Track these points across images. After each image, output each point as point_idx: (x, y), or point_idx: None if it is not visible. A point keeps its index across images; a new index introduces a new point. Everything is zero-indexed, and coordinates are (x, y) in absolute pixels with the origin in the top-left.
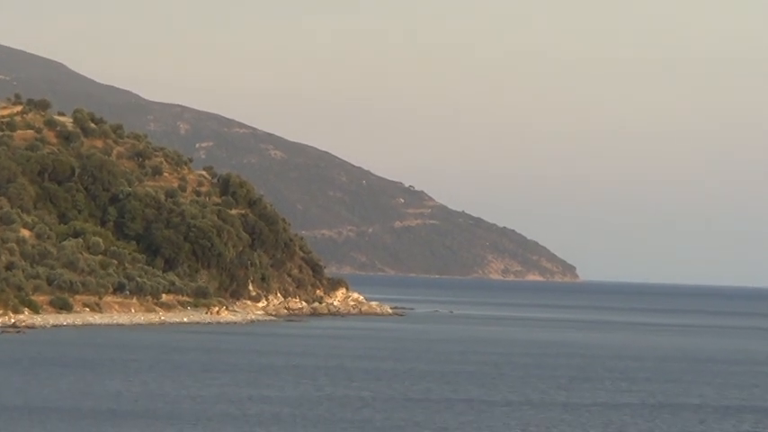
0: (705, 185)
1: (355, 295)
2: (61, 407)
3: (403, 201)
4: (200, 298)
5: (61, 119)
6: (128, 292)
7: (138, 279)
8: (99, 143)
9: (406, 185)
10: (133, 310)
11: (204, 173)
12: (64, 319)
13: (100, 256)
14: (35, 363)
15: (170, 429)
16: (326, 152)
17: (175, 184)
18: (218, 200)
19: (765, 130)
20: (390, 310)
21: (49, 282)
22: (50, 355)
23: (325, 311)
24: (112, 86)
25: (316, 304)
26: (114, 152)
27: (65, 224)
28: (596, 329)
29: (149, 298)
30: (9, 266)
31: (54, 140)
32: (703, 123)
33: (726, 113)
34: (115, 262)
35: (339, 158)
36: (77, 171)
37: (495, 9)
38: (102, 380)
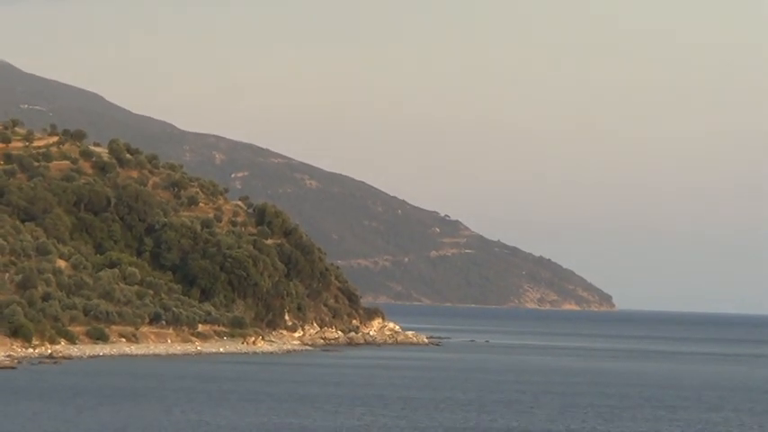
0: (743, 214)
1: (391, 325)
2: None
3: (439, 230)
4: (237, 328)
5: (97, 149)
6: (164, 323)
7: (175, 309)
8: (135, 173)
9: (442, 215)
10: (169, 341)
11: (240, 203)
12: (100, 349)
13: (136, 287)
14: (74, 393)
15: None
16: (362, 182)
17: (211, 215)
18: (253, 230)
19: None
20: (426, 340)
21: (86, 312)
22: (88, 385)
23: (362, 341)
24: (148, 117)
25: (352, 334)
26: (150, 182)
27: (101, 254)
28: (634, 358)
29: (185, 328)
30: (45, 297)
31: (90, 171)
32: (739, 153)
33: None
34: (151, 292)
35: (374, 188)
36: (113, 201)
37: (542, 38)
38: (142, 410)
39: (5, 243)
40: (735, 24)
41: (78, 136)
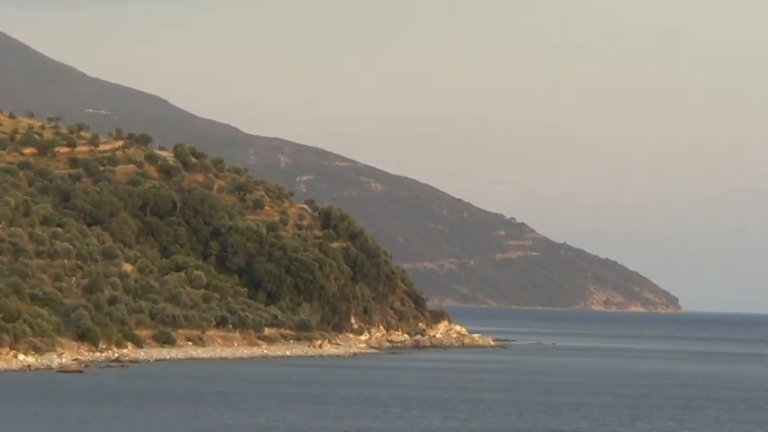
0: None
1: (457, 327)
2: None
3: (504, 233)
4: (303, 331)
5: (162, 153)
6: (230, 326)
7: (241, 313)
8: (200, 177)
9: (507, 217)
10: (236, 344)
11: (305, 206)
12: (167, 353)
13: (202, 290)
14: (141, 397)
15: None
16: (427, 184)
17: (276, 218)
18: (319, 233)
19: None
20: (493, 343)
21: (152, 316)
22: (156, 389)
23: (428, 344)
24: (213, 120)
25: (418, 337)
26: (215, 186)
27: (167, 258)
28: (700, 360)
29: (252, 332)
30: (112, 301)
31: (155, 175)
32: None
33: None
34: (217, 296)
35: (440, 191)
36: (179, 205)
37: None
38: (210, 413)
39: (72, 247)
40: None
41: (143, 140)
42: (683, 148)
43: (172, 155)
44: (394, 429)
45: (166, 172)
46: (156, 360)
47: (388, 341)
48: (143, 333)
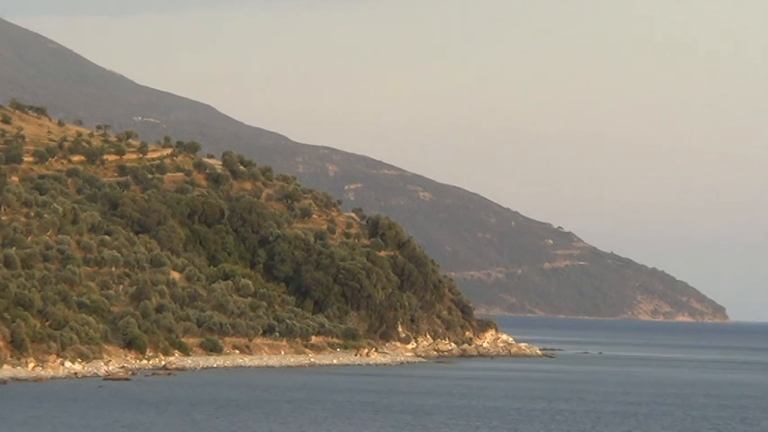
0: None
1: (504, 337)
2: None
3: (552, 242)
4: (350, 340)
5: (210, 161)
6: (277, 334)
7: (288, 321)
8: (248, 185)
9: (555, 227)
10: (283, 352)
11: (353, 215)
12: (214, 361)
13: (249, 299)
14: (188, 404)
15: None
16: (475, 193)
17: (324, 226)
18: (366, 242)
19: None
20: (540, 352)
21: (199, 324)
22: (203, 396)
23: (475, 353)
24: (261, 129)
25: (465, 346)
26: (263, 194)
27: (214, 266)
28: (748, 370)
29: (299, 340)
30: (159, 309)
31: (203, 183)
32: None
33: None
34: (265, 304)
35: (488, 200)
36: (227, 213)
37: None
38: (257, 421)
39: (120, 255)
40: None
41: (192, 148)
42: (732, 157)
43: (220, 163)
44: None
45: (214, 180)
46: (202, 368)
47: (434, 350)
48: (190, 341)
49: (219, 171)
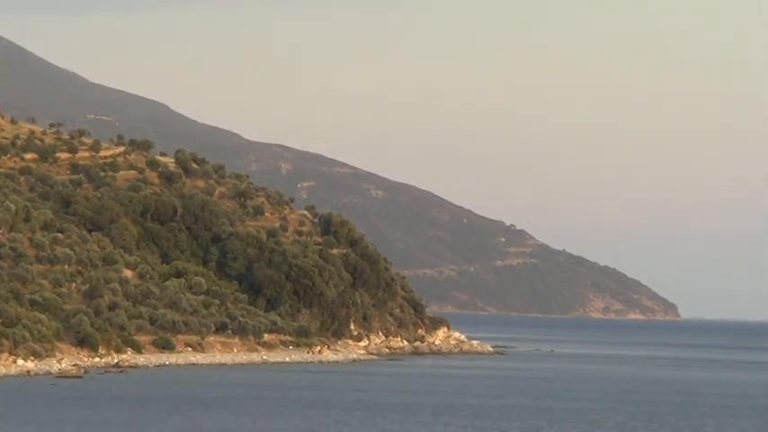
0: None
1: (456, 334)
2: None
3: (504, 240)
4: (302, 337)
5: (163, 159)
6: (230, 332)
7: (241, 319)
8: (201, 183)
9: (507, 224)
10: (235, 350)
11: (306, 212)
12: (166, 358)
13: (202, 296)
14: (141, 402)
15: None
16: (427, 191)
17: (277, 224)
18: (319, 239)
19: None
20: (491, 349)
21: (152, 321)
22: (156, 394)
23: (427, 350)
24: (214, 126)
25: (417, 343)
26: (216, 192)
27: (167, 264)
28: (699, 367)
29: (251, 337)
30: (112, 306)
31: (156, 181)
32: None
33: None
34: (217, 302)
35: (440, 198)
36: (179, 211)
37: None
38: (211, 417)
39: (72, 253)
40: None
41: (145, 146)
42: (683, 155)
43: (173, 161)
44: None
45: (167, 178)
46: (155, 366)
47: (387, 348)
48: (143, 339)
49: (172, 169)
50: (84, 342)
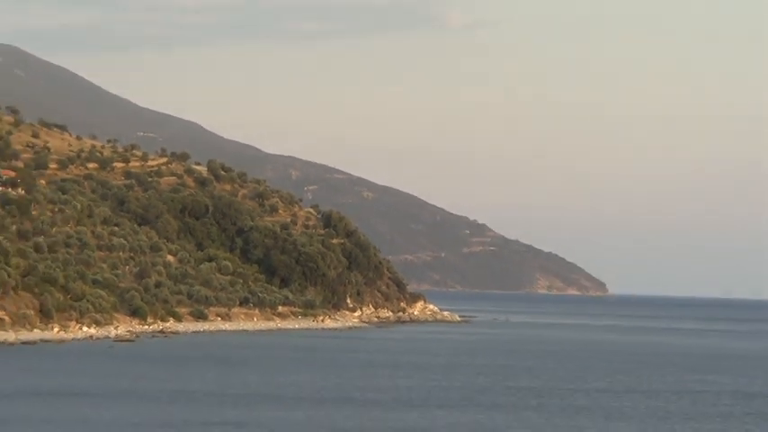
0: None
1: (431, 306)
2: (212, 391)
3: (468, 232)
4: (308, 309)
5: (197, 168)
6: (251, 305)
7: (260, 294)
8: (227, 187)
9: (471, 219)
10: (255, 319)
11: (311, 210)
12: (201, 326)
13: (229, 277)
14: (181, 360)
15: (298, 409)
16: (408, 193)
17: (288, 219)
18: (322, 231)
19: None
20: (459, 318)
21: (189, 296)
22: (193, 354)
23: (408, 319)
24: (238, 141)
25: (400, 314)
26: (240, 194)
27: (201, 251)
28: (622, 332)
29: (268, 309)
30: (157, 285)
31: (192, 185)
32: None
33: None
34: (241, 281)
35: (418, 198)
36: (210, 209)
37: (538, 73)
38: (236, 373)
39: (126, 242)
40: None
41: (182, 157)
42: (611, 166)
43: (205, 169)
44: (383, 386)
45: (201, 182)
46: (192, 332)
47: (376, 317)
48: (182, 310)
49: (205, 175)
50: (135, 313)
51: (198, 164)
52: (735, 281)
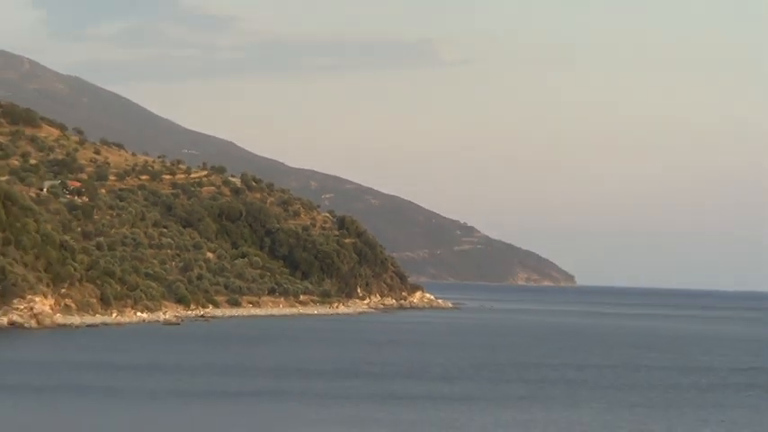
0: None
1: (428, 296)
2: (245, 365)
3: (459, 233)
4: (325, 297)
5: (232, 179)
6: (277, 294)
7: (284, 285)
8: (258, 195)
9: (462, 222)
10: (281, 306)
11: (328, 215)
12: (235, 311)
13: (259, 270)
14: (219, 339)
15: (318, 380)
16: (408, 200)
17: (308, 222)
18: (336, 232)
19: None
20: (451, 305)
21: (226, 287)
22: (229, 334)
23: (408, 306)
24: (266, 157)
25: (402, 301)
26: (268, 201)
27: (235, 249)
28: (584, 316)
29: (291, 297)
30: (199, 277)
31: (228, 193)
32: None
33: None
34: (269, 274)
35: (417, 204)
36: (243, 214)
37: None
38: (264, 349)
39: (172, 241)
40: None
41: (220, 170)
42: (584, 175)
43: (239, 180)
44: (387, 359)
45: (235, 192)
46: (228, 316)
47: (381, 304)
48: (220, 298)
49: (239, 186)
50: (180, 301)
51: (233, 176)
52: (690, 272)
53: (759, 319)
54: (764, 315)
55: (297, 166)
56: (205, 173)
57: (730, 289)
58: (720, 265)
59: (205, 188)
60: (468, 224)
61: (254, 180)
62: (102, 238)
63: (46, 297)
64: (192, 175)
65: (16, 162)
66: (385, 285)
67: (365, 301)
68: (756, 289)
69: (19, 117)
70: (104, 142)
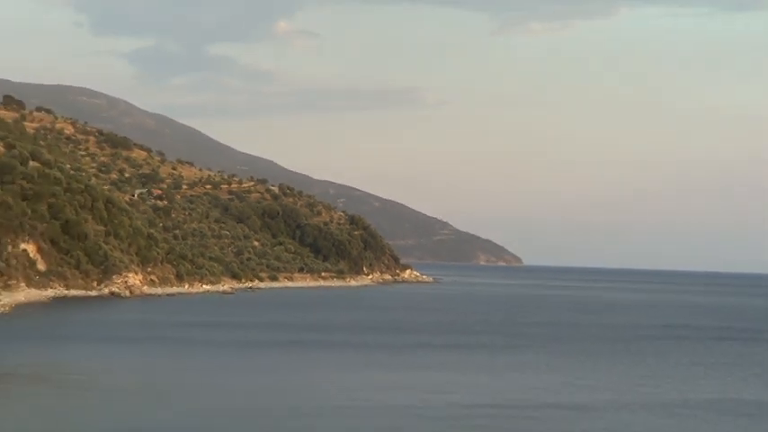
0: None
1: (415, 273)
2: (285, 323)
3: (437, 226)
4: (340, 274)
5: (272, 188)
6: (305, 271)
7: (311, 265)
8: (291, 200)
9: (439, 219)
10: (308, 281)
11: (342, 214)
12: (275, 285)
13: (292, 254)
14: (263, 305)
15: (337, 334)
16: (402, 203)
17: (328, 219)
18: (348, 227)
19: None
20: (432, 280)
21: (267, 266)
22: (270, 301)
23: (401, 281)
24: (297, 172)
25: (396, 277)
26: (298, 204)
27: (275, 239)
28: (528, 288)
29: (315, 274)
30: (248, 259)
31: (269, 198)
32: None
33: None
34: (300, 257)
35: (407, 206)
36: (280, 213)
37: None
38: (296, 312)
39: (229, 233)
40: None
41: (263, 182)
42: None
43: (277, 189)
44: (384, 320)
45: (274, 197)
46: (269, 288)
47: (381, 279)
48: (263, 274)
49: (277, 193)
50: (234, 276)
51: (272, 186)
52: (627, 253)
53: (685, 291)
54: (689, 288)
55: (319, 179)
56: (252, 183)
57: (670, 268)
58: (662, 246)
59: (252, 194)
60: (444, 220)
61: (288, 188)
62: (177, 231)
63: (137, 274)
64: (243, 185)
65: (115, 175)
66: (383, 265)
67: (369, 277)
68: (697, 269)
69: (117, 143)
70: (179, 161)
